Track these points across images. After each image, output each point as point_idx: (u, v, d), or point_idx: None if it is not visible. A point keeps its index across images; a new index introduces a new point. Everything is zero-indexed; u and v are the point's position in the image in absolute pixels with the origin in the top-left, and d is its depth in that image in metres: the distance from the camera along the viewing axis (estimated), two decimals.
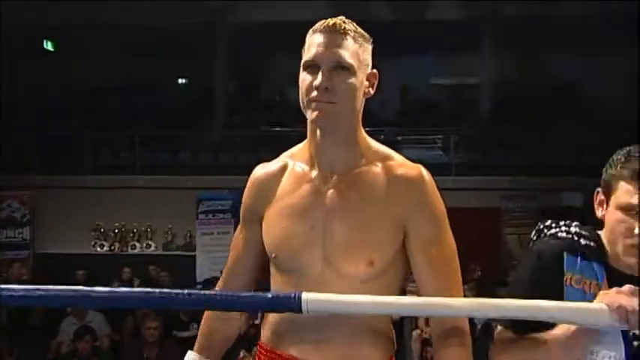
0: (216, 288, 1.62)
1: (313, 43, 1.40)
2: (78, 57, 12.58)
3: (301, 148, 1.53)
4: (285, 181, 1.50)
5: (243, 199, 1.58)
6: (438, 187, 1.46)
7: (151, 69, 12.82)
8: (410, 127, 11.31)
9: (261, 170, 1.55)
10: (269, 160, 1.57)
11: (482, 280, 7.06)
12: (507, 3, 10.61)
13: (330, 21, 1.41)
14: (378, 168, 1.45)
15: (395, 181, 1.42)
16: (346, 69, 1.38)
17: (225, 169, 9.75)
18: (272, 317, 1.48)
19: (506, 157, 10.41)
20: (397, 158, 1.47)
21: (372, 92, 1.46)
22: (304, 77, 1.40)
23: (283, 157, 1.55)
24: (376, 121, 11.43)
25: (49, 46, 13.05)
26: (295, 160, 1.51)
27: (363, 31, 1.45)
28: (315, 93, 1.37)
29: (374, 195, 1.42)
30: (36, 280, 8.35)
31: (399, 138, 10.97)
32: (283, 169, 1.51)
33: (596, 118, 10.30)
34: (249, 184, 1.57)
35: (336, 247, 1.40)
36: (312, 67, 1.39)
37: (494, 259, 9.30)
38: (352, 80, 1.39)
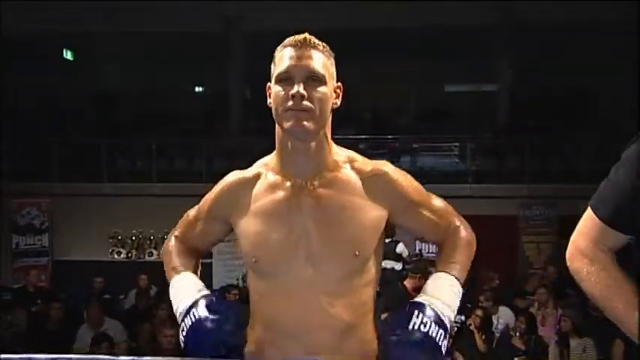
0: (176, 232, 1.79)
1: (285, 56, 1.47)
2: (95, 65, 12.71)
3: (272, 159, 1.57)
4: (259, 188, 1.54)
5: (210, 197, 1.61)
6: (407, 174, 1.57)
7: (167, 76, 12.92)
8: (426, 135, 11.26)
9: (235, 176, 1.58)
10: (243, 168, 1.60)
11: (499, 289, 6.95)
12: (524, 9, 10.55)
13: (300, 36, 1.49)
14: (347, 170, 1.53)
15: (366, 178, 1.52)
16: (318, 79, 1.45)
17: None
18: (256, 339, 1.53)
19: (524, 164, 10.32)
20: (359, 158, 1.57)
21: (338, 103, 1.53)
22: (278, 90, 1.45)
23: (257, 167, 1.59)
24: (392, 128, 11.42)
25: (68, 55, 13.21)
26: (268, 170, 1.56)
27: (327, 46, 1.52)
28: (290, 102, 1.42)
29: (349, 194, 1.50)
30: (55, 287, 8.44)
31: (415, 145, 10.94)
32: (257, 177, 1.56)
33: (614, 125, 10.18)
34: (219, 186, 1.59)
35: (319, 247, 1.46)
36: (286, 79, 1.44)
37: (511, 268, 9.21)
38: (324, 90, 1.46)
